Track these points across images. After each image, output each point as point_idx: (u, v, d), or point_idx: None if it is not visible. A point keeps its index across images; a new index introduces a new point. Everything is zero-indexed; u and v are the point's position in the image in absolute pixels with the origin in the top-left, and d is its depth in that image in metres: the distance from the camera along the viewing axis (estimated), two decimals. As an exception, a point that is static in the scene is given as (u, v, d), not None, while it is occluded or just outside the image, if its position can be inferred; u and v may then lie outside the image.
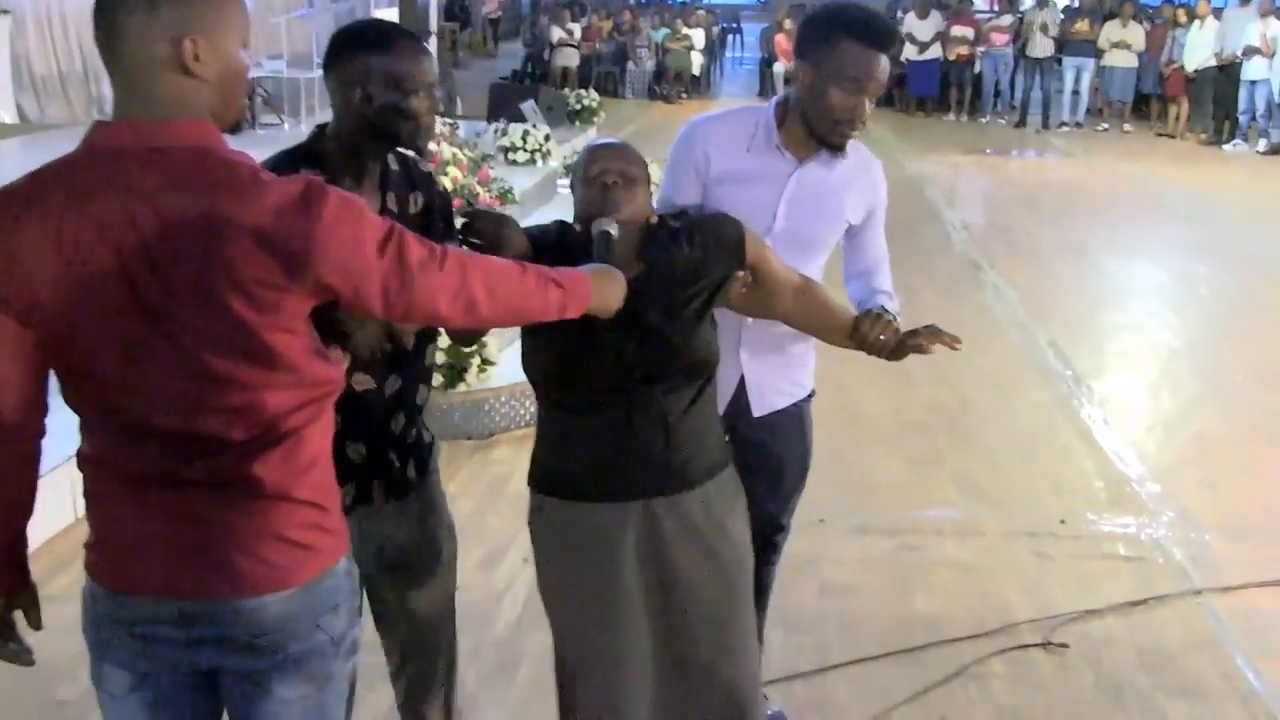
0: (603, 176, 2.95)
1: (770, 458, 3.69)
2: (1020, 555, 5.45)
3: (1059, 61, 20.50)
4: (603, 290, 2.64)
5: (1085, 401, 7.53)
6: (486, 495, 5.93)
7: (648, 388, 2.97)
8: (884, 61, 3.32)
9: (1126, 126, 20.51)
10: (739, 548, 3.15)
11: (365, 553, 3.17)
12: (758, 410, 3.65)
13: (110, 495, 2.31)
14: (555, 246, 3.02)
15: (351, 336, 2.58)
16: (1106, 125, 20.55)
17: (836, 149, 3.43)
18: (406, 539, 3.24)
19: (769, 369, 3.65)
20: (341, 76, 2.90)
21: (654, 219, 3.04)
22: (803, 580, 4.92)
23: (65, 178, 2.16)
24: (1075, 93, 20.55)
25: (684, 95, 23.66)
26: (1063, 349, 8.49)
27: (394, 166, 3.06)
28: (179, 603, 2.28)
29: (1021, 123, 20.76)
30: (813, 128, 3.40)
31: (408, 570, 3.30)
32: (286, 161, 2.90)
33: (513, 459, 6.37)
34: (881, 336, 3.21)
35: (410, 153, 3.04)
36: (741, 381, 3.62)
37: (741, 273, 3.10)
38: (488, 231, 2.95)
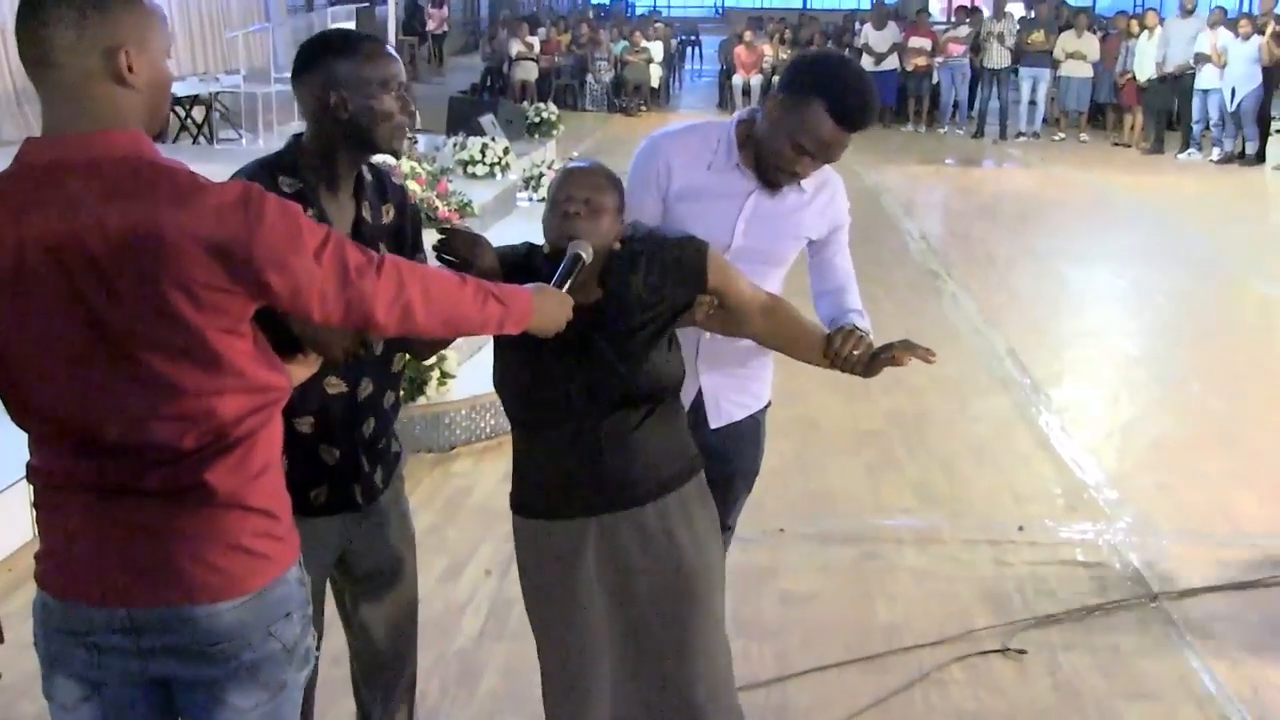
0: (566, 204, 2.97)
1: (723, 465, 3.68)
2: (980, 562, 5.48)
3: (1015, 72, 20.63)
4: (544, 309, 2.67)
5: (1043, 409, 7.57)
6: (447, 508, 5.93)
7: (593, 411, 3.01)
8: (846, 140, 3.31)
9: (1083, 136, 20.67)
10: (704, 556, 3.15)
11: (328, 559, 3.18)
12: (714, 422, 3.67)
13: (60, 506, 2.32)
14: (523, 268, 3.04)
15: (321, 339, 2.58)
16: (1063, 135, 20.69)
17: (770, 186, 3.45)
18: (369, 548, 3.26)
19: (726, 382, 3.66)
20: (313, 84, 2.91)
21: (618, 245, 3.04)
22: (763, 589, 4.94)
23: (3, 195, 2.16)
24: (1032, 103, 20.68)
25: (643, 107, 23.71)
26: (1020, 357, 8.54)
27: (368, 177, 3.08)
28: (130, 611, 2.28)
29: (979, 133, 20.89)
30: (757, 157, 3.43)
31: (370, 580, 3.32)
32: (260, 172, 2.91)
33: (473, 472, 6.39)
34: (855, 352, 3.20)
35: (387, 159, 3.07)
36: (700, 393, 3.63)
37: (706, 298, 3.12)
38: (460, 250, 2.98)
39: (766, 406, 3.80)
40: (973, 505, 6.15)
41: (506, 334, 2.60)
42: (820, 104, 3.23)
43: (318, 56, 2.92)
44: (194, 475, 2.25)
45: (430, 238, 3.12)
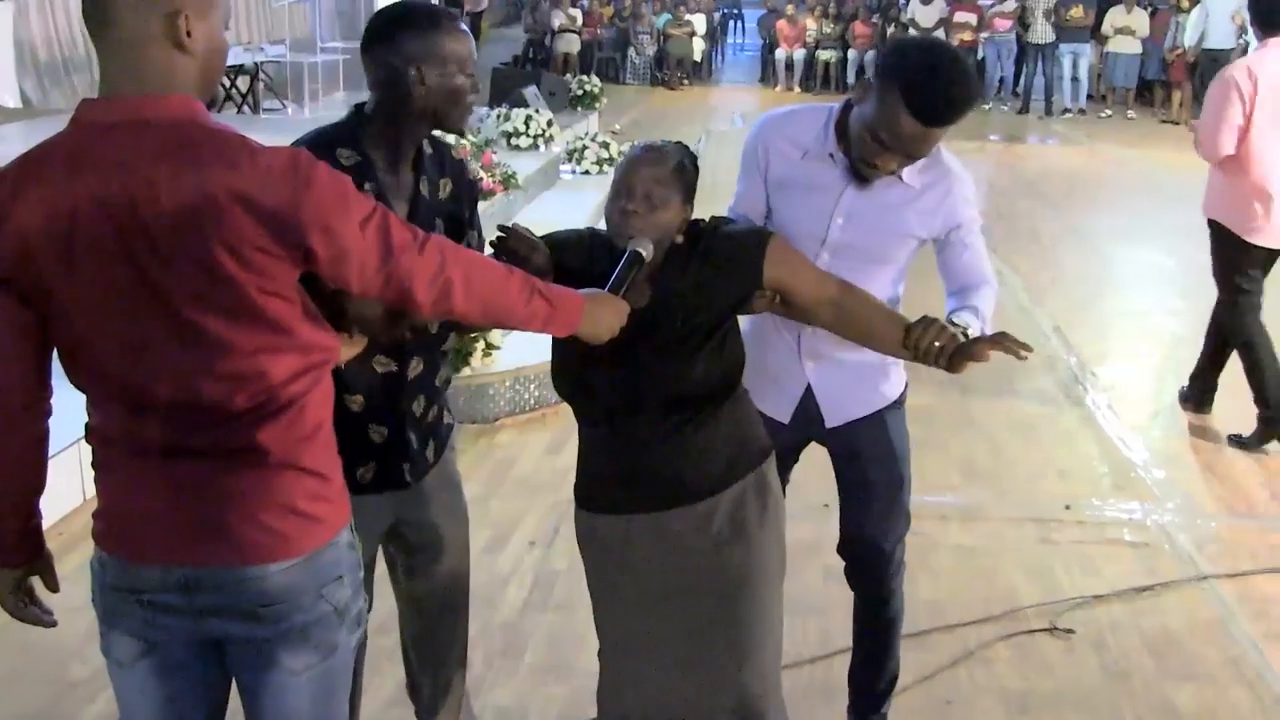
0: (625, 200, 2.88)
1: (853, 472, 3.57)
2: (1025, 540, 5.45)
3: (1059, 47, 20.45)
4: (596, 317, 2.63)
5: (1089, 387, 7.53)
6: (491, 480, 5.94)
7: (635, 415, 2.97)
8: (930, 134, 3.08)
9: (1130, 113, 20.50)
10: (757, 556, 3.06)
11: (378, 531, 3.19)
12: (831, 420, 3.52)
13: (118, 466, 2.34)
14: (584, 255, 2.99)
15: (368, 320, 2.58)
16: (1110, 112, 20.53)
17: (857, 178, 3.26)
18: (420, 522, 3.26)
19: (838, 374, 3.48)
20: (388, 56, 2.87)
21: (680, 238, 2.96)
22: (808, 565, 4.92)
23: (59, 155, 2.18)
24: (1074, 79, 20.52)
25: (685, 81, 23.65)
26: (1066, 335, 8.49)
27: (428, 150, 3.05)
28: (184, 570, 2.30)
29: (1024, 109, 20.75)
30: (848, 145, 3.25)
31: (423, 552, 3.33)
32: (320, 142, 2.88)
33: (517, 443, 6.40)
34: (937, 343, 2.94)
35: (449, 136, 3.05)
36: (809, 390, 3.51)
37: (766, 293, 3.03)
38: (519, 250, 2.89)
39: (898, 401, 3.61)
40: (1018, 483, 6.12)
41: (553, 334, 2.58)
42: (898, 95, 3.01)
43: (396, 28, 2.88)
44: (247, 435, 2.26)
45: (479, 207, 3.10)
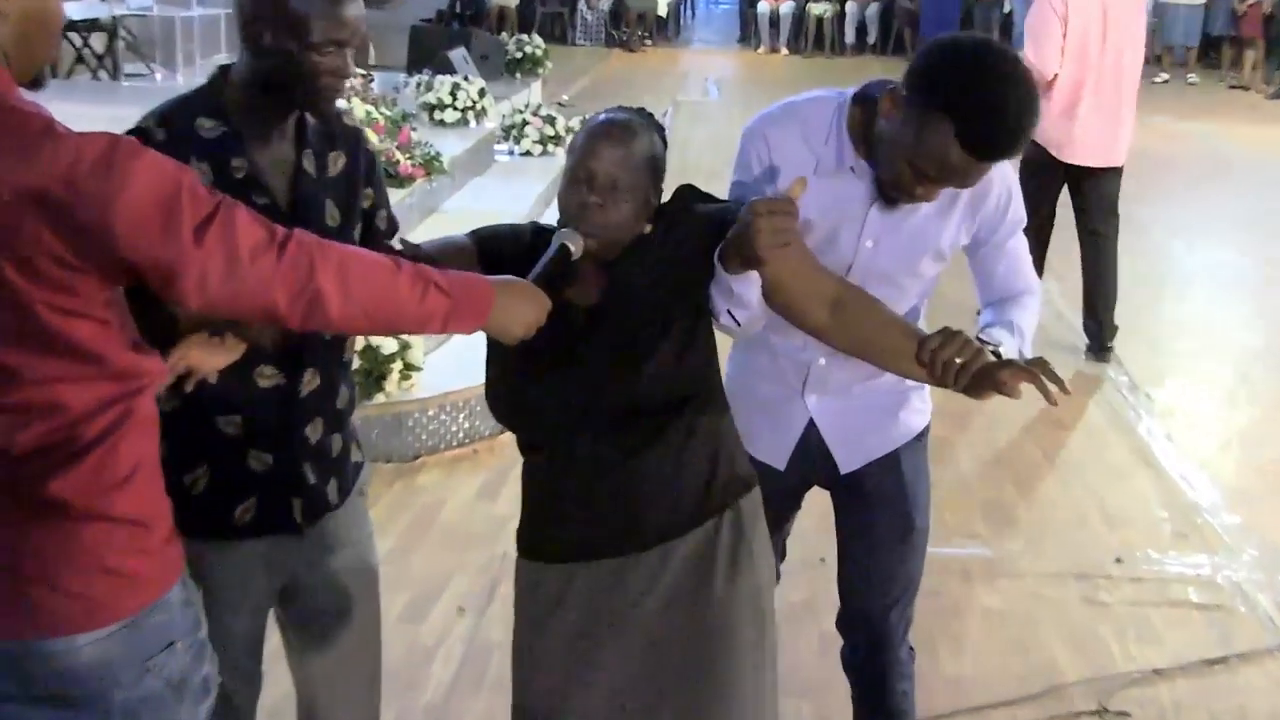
0: (583, 190, 2.85)
1: (854, 520, 3.55)
2: (1067, 602, 5.47)
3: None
4: (508, 309, 2.58)
5: (1144, 413, 7.58)
6: (412, 531, 5.92)
7: (583, 433, 2.95)
8: (981, 168, 3.01)
9: (1191, 77, 20.68)
10: (727, 618, 3.01)
11: (265, 593, 3.17)
12: (848, 463, 3.51)
13: None
14: (522, 258, 2.88)
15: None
16: (1167, 76, 20.70)
17: (886, 201, 3.22)
18: (317, 580, 3.23)
19: (851, 408, 3.48)
20: (246, 10, 2.86)
21: (648, 228, 2.93)
22: (800, 632, 4.92)
23: None
24: (1126, 36, 20.62)
25: (648, 41, 23.76)
26: (1116, 349, 8.52)
27: (311, 119, 3.04)
28: None
29: (1062, 73, 20.86)
30: (876, 164, 3.18)
31: (322, 619, 3.29)
32: (181, 111, 2.88)
33: (443, 486, 6.39)
34: (959, 359, 2.78)
35: (341, 100, 3.03)
36: (809, 431, 3.49)
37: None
38: None
39: (920, 434, 3.60)
40: (1057, 531, 6.14)
41: (457, 333, 2.55)
42: (947, 123, 2.90)
43: None
44: (40, 483, 2.24)
45: (395, 196, 3.08)
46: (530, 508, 3.12)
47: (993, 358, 2.84)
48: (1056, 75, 8.10)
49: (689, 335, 2.97)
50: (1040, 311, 3.38)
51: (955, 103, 2.90)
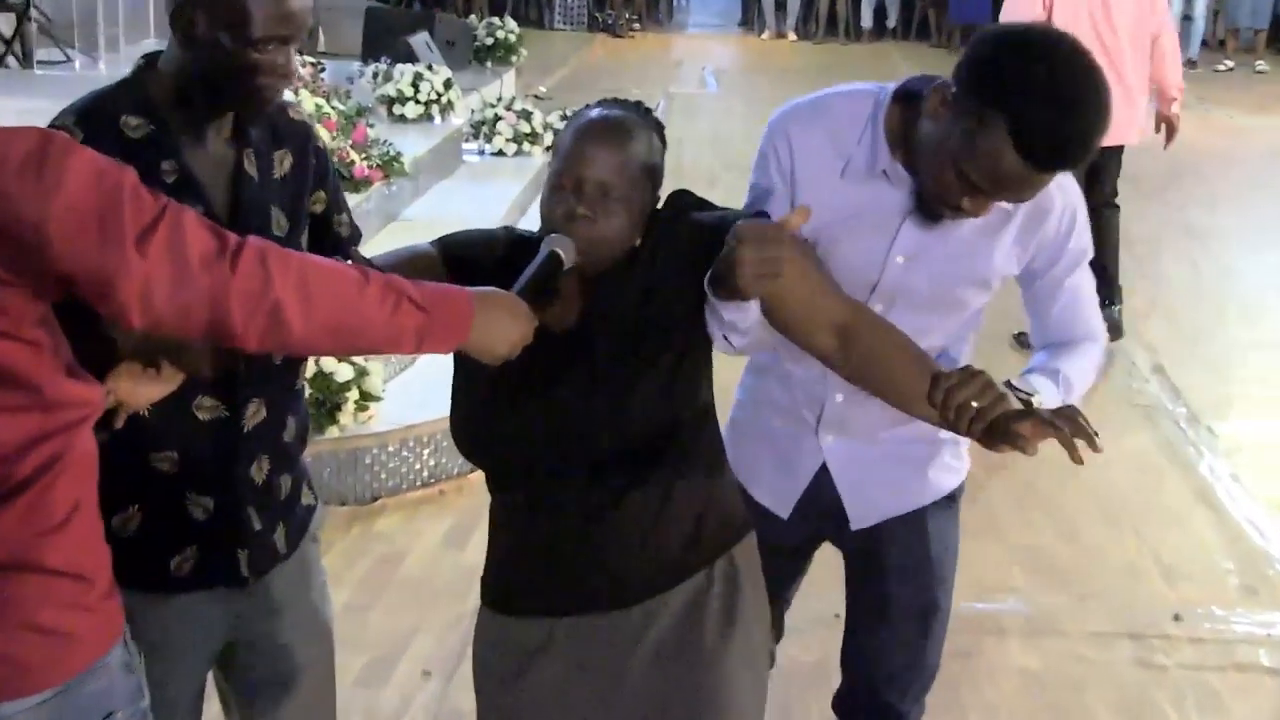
0: (572, 198, 2.80)
1: (868, 589, 3.54)
2: (1117, 665, 5.48)
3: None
4: (490, 324, 2.54)
5: (1205, 450, 7.59)
6: (371, 582, 5.92)
7: (561, 472, 2.94)
8: (1039, 179, 2.95)
9: (1260, 64, 20.67)
10: (719, 680, 3.01)
11: (204, 654, 3.18)
12: (860, 519, 3.49)
13: None
14: (498, 271, 2.83)
15: (180, 345, 2.57)
16: (1231, 63, 20.70)
17: (926, 215, 3.18)
18: (263, 641, 3.24)
19: (872, 456, 3.47)
20: None
21: (638, 240, 2.90)
22: (811, 697, 4.92)
23: None
24: (1187, 18, 20.66)
25: (637, 25, 23.76)
26: (1172, 376, 8.56)
27: None
28: None
29: (1112, 61, 20.92)
30: (916, 172, 3.15)
31: (269, 685, 3.30)
32: (95, 109, 2.87)
33: (405, 532, 6.39)
34: (975, 403, 2.70)
35: (289, 93, 3.02)
36: (822, 476, 3.47)
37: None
38: None
39: (951, 495, 3.57)
40: (1106, 584, 6.14)
41: (432, 353, 2.54)
42: (1001, 124, 2.85)
43: None
44: None
45: (350, 202, 3.07)
46: (499, 553, 3.12)
47: (1017, 405, 2.76)
48: None
49: (679, 364, 2.94)
50: (1098, 368, 3.34)
51: (1013, 100, 2.84)
